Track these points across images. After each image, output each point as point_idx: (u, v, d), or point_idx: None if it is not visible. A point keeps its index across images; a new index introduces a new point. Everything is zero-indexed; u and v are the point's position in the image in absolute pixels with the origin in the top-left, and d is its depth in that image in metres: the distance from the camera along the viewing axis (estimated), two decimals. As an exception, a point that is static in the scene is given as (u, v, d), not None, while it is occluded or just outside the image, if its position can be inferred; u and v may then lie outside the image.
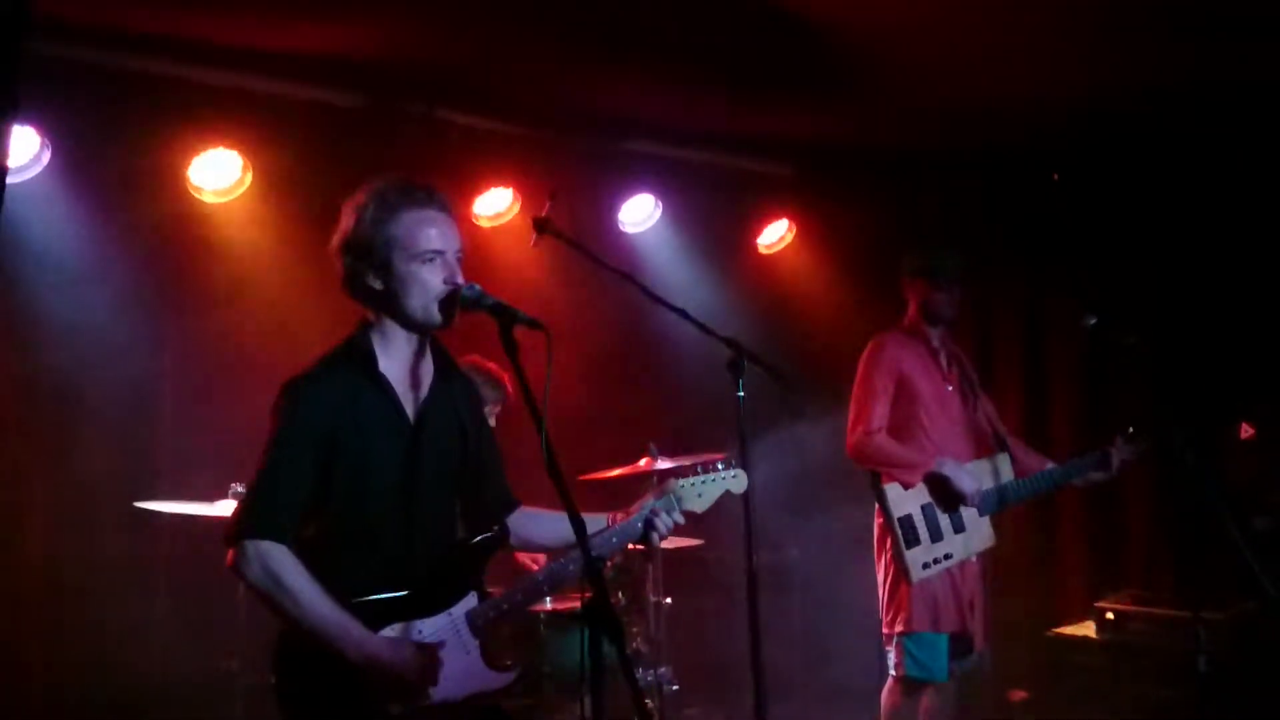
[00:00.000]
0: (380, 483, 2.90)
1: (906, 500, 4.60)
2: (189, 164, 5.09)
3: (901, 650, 4.61)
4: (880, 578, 4.73)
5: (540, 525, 3.23)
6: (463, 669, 2.92)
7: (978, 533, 4.68)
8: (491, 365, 4.83)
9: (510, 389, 4.85)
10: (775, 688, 3.48)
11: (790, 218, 7.13)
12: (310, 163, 5.26)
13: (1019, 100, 5.56)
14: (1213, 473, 3.95)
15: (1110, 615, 5.55)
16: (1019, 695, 5.96)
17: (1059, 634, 5.77)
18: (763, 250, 7.18)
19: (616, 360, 6.36)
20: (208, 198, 5.21)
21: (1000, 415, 5.05)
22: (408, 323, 2.92)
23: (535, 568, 4.56)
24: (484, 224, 6.01)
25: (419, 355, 2.99)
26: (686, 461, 4.87)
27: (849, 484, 5.08)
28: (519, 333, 2.73)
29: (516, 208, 6.04)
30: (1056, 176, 6.29)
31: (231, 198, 5.25)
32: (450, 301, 2.87)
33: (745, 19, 4.70)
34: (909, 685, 4.64)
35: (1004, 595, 5.35)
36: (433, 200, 2.94)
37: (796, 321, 7.04)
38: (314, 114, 5.41)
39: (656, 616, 5.29)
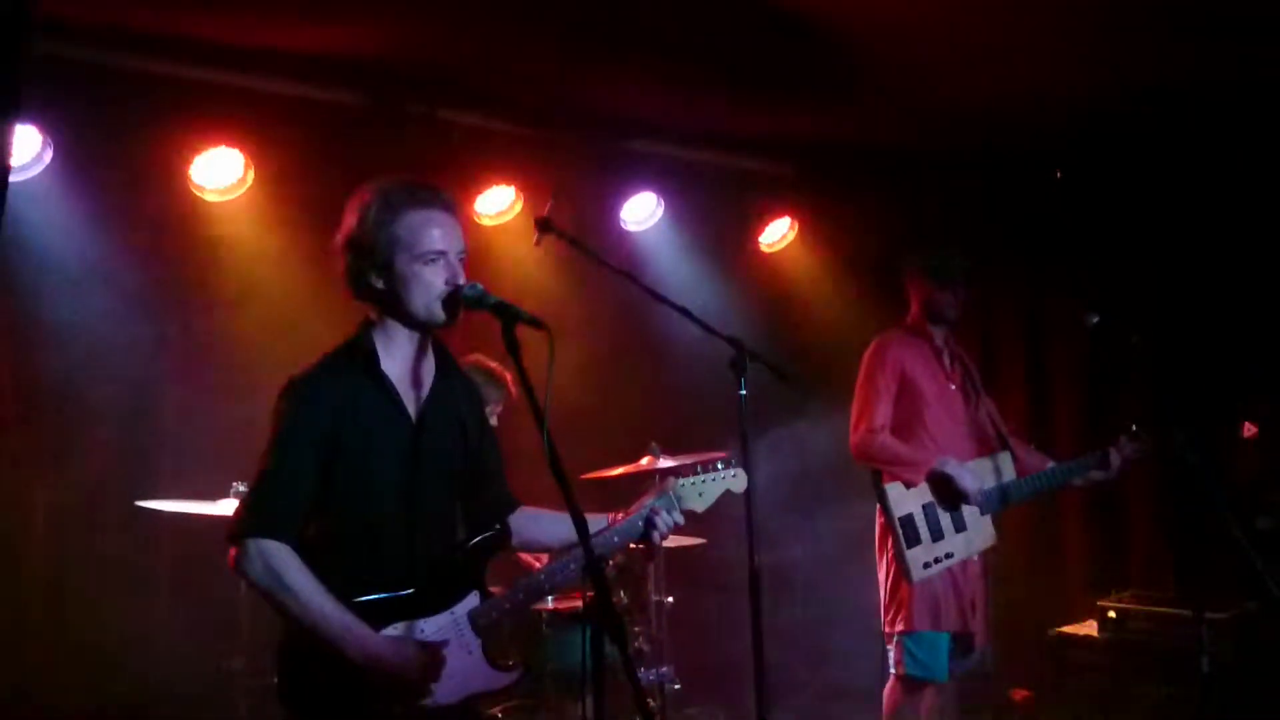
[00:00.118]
0: (382, 482, 2.90)
1: (907, 499, 4.59)
2: (191, 163, 5.09)
3: (902, 649, 4.61)
4: (881, 577, 4.73)
5: (541, 525, 3.24)
6: (465, 668, 2.92)
7: (979, 532, 4.68)
8: (493, 365, 4.84)
9: (512, 388, 4.85)
10: (777, 687, 3.49)
11: (792, 216, 7.12)
12: (312, 162, 5.26)
13: (1020, 100, 5.56)
14: (1215, 472, 3.95)
15: (1112, 614, 5.56)
16: (1021, 694, 5.96)
17: (1061, 633, 5.77)
18: (764, 249, 7.17)
19: (618, 359, 6.35)
20: (209, 196, 5.22)
21: (1002, 415, 5.05)
22: (410, 322, 2.92)
23: (539, 567, 4.56)
24: (486, 223, 6.01)
25: (421, 354, 2.99)
26: (688, 460, 4.87)
27: (851, 483, 5.08)
28: (521, 331, 2.72)
29: (518, 206, 6.04)
30: (1059, 175, 6.28)
31: (233, 197, 5.25)
32: (452, 300, 2.87)
33: (746, 18, 4.70)
34: (910, 684, 4.63)
35: (1006, 594, 5.34)
36: (437, 200, 2.93)
37: (798, 320, 7.04)
38: (316, 113, 5.41)
39: (658, 615, 5.29)
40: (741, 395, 3.31)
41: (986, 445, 4.85)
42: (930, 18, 4.70)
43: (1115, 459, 4.74)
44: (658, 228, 6.61)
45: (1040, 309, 6.68)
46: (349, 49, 5.04)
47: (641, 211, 6.56)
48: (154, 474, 5.01)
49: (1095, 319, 4.38)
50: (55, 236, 4.79)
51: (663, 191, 6.53)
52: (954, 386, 4.86)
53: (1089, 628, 5.67)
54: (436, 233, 2.88)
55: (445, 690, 2.85)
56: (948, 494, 4.60)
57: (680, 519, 3.15)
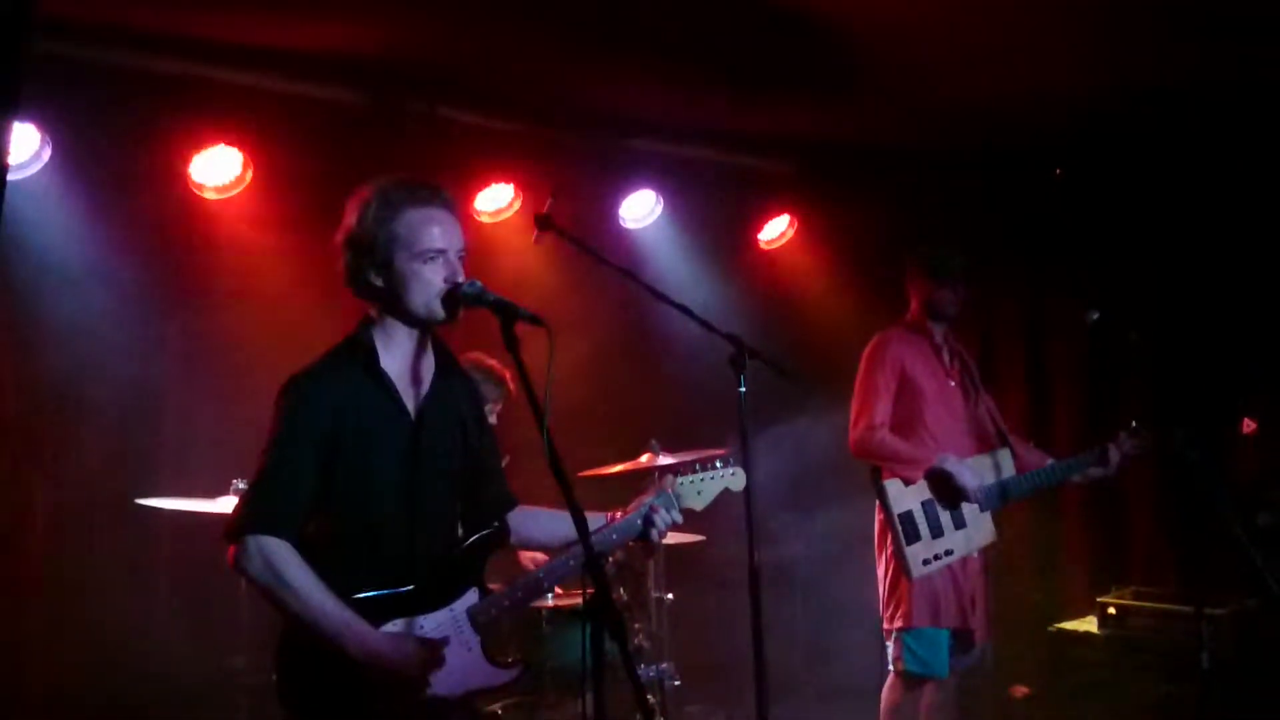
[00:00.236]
0: (381, 479, 2.90)
1: (907, 496, 4.60)
2: (190, 161, 5.09)
3: (902, 646, 4.61)
4: (880, 573, 4.73)
5: (539, 524, 3.24)
6: (464, 665, 2.92)
7: (979, 529, 4.68)
8: (493, 362, 4.84)
9: (512, 386, 4.85)
10: (777, 684, 3.48)
11: (791, 214, 7.13)
12: (311, 160, 5.25)
13: (1020, 99, 5.55)
14: (1215, 468, 3.95)
15: (1112, 610, 5.56)
16: (1020, 691, 5.97)
17: (1061, 629, 5.77)
18: (764, 246, 7.18)
19: (618, 356, 6.36)
20: (209, 194, 5.21)
21: (1002, 412, 5.05)
22: (409, 319, 2.92)
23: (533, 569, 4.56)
24: (485, 220, 6.02)
25: (420, 352, 2.99)
26: (688, 457, 4.87)
27: (851, 480, 5.08)
28: (520, 329, 2.72)
29: (518, 204, 6.04)
30: (1059, 173, 6.28)
31: (232, 195, 5.25)
32: (451, 298, 2.87)
33: (746, 16, 4.69)
34: (910, 681, 4.64)
35: (1006, 590, 5.35)
36: (436, 199, 2.94)
37: (797, 317, 7.04)
38: (315, 111, 5.40)
39: (658, 612, 5.29)
40: (741, 392, 3.31)
41: (986, 442, 4.85)
42: (930, 16, 4.69)
43: (1114, 455, 4.75)
44: (657, 225, 6.61)
45: (1040, 307, 6.68)
46: (348, 47, 5.03)
47: (640, 209, 6.56)
48: (153, 471, 5.01)
49: (1095, 316, 4.38)
50: (54, 234, 4.79)
51: (662, 189, 6.53)
52: (953, 383, 4.87)
53: (1089, 624, 5.67)
54: (436, 231, 2.88)
55: (444, 687, 2.85)
56: (947, 491, 4.60)
57: (679, 517, 3.15)
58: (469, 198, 5.84)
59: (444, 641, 2.88)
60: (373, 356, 2.92)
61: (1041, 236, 6.47)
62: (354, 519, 2.88)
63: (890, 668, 4.68)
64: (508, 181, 6.00)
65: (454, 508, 3.06)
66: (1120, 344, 4.25)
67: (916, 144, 6.38)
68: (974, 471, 4.63)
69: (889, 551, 4.65)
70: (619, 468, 5.17)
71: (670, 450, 5.11)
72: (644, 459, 5.12)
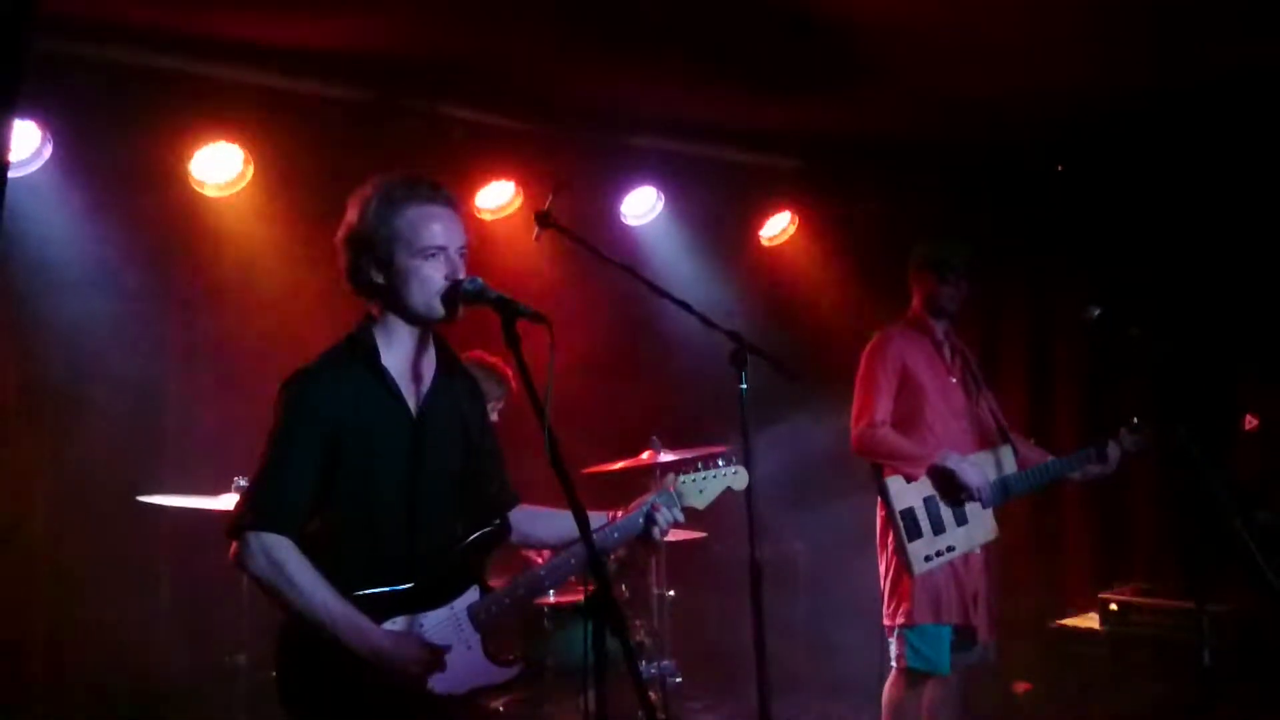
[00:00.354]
0: (383, 476, 2.90)
1: (908, 493, 4.59)
2: (191, 158, 5.10)
3: (904, 642, 4.61)
4: (882, 570, 4.73)
5: (541, 522, 3.24)
6: (464, 663, 2.92)
7: (980, 525, 4.68)
8: (495, 360, 4.83)
9: (513, 383, 4.85)
10: (779, 680, 3.48)
11: (792, 210, 7.12)
12: (312, 157, 5.26)
13: (1022, 95, 5.55)
14: (1217, 465, 3.94)
15: (1114, 607, 5.56)
16: (1022, 687, 5.96)
17: (1063, 625, 5.78)
18: (765, 243, 7.17)
19: (619, 353, 6.36)
20: (209, 191, 5.22)
21: (1004, 409, 5.04)
22: (410, 317, 2.92)
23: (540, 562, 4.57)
24: (486, 217, 6.02)
25: (422, 349, 2.99)
26: (689, 454, 4.87)
27: (852, 477, 5.08)
28: (521, 326, 2.72)
29: (519, 201, 6.04)
30: (1061, 168, 6.28)
31: (233, 191, 5.25)
32: (452, 295, 2.86)
33: (748, 12, 4.69)
34: (912, 677, 4.64)
35: (1008, 587, 5.34)
36: (437, 196, 2.93)
37: (798, 314, 7.04)
38: (316, 108, 5.41)
39: (660, 609, 5.29)
40: (742, 389, 3.30)
41: (987, 439, 4.85)
42: (931, 12, 4.69)
43: (1113, 452, 4.74)
44: (658, 222, 6.61)
45: (1041, 303, 6.67)
46: (349, 44, 5.03)
47: (641, 206, 6.56)
48: (155, 469, 5.01)
49: (1096, 312, 4.37)
50: (55, 231, 4.80)
51: (663, 185, 6.53)
52: (954, 380, 4.86)
53: (1091, 620, 5.67)
54: (437, 228, 2.88)
55: (444, 685, 2.85)
56: (950, 489, 4.60)
57: (681, 516, 3.15)
58: (470, 195, 5.84)
59: (444, 639, 2.88)
60: (374, 354, 2.92)
61: (1043, 233, 6.47)
62: (355, 516, 2.88)
63: (892, 664, 4.68)
64: (509, 178, 6.00)
65: (455, 505, 3.05)
66: (1121, 340, 4.24)
67: (918, 140, 6.37)
68: (976, 468, 4.63)
69: (891, 548, 4.65)
70: (620, 465, 5.18)
71: (671, 447, 5.12)
72: (645, 456, 5.12)
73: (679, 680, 5.22)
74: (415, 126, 5.57)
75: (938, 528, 4.59)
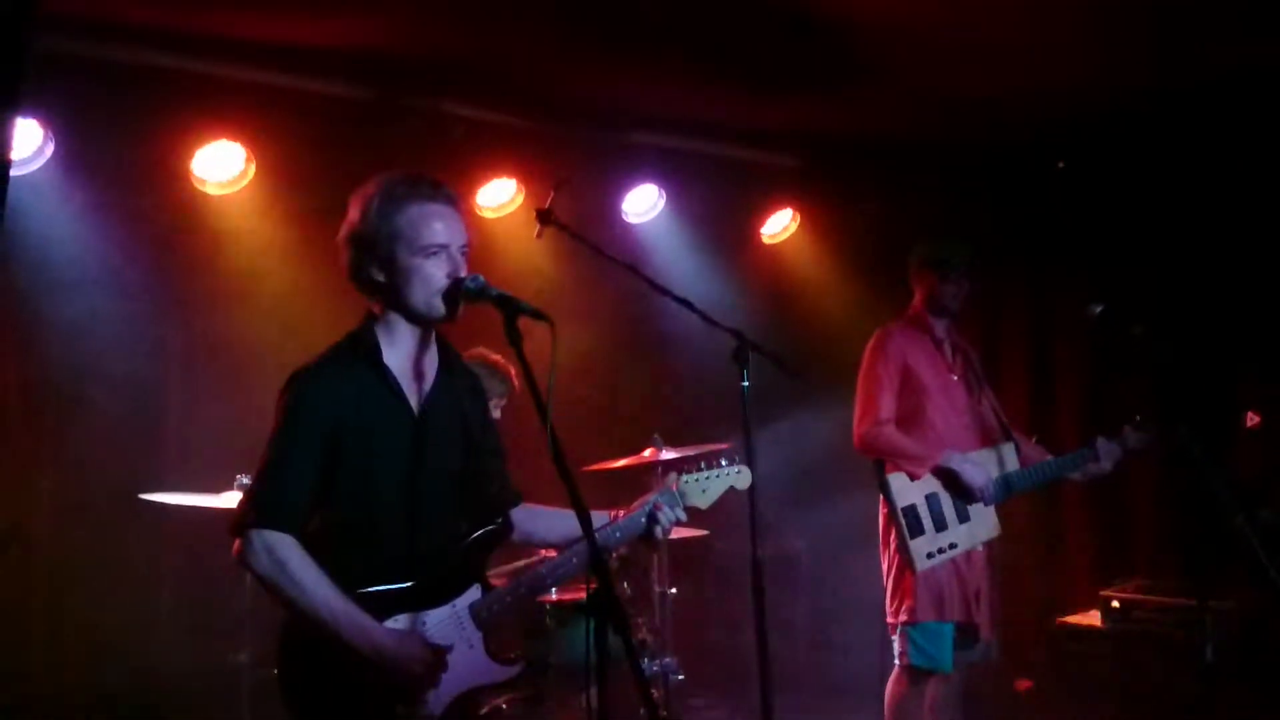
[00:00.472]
0: (384, 475, 2.90)
1: (910, 490, 4.60)
2: (192, 156, 5.10)
3: (906, 640, 4.61)
4: (885, 568, 4.73)
5: (542, 521, 3.24)
6: (466, 662, 2.92)
7: (982, 522, 4.68)
8: (497, 358, 4.83)
9: (516, 381, 4.85)
10: (781, 678, 3.48)
11: (794, 208, 7.12)
12: (313, 155, 5.26)
13: (1023, 93, 5.55)
14: (1219, 463, 3.94)
15: (1116, 604, 5.56)
16: (1024, 684, 5.97)
17: (1065, 623, 5.77)
18: (766, 241, 7.17)
19: (621, 351, 6.36)
20: (211, 190, 5.22)
21: (1005, 408, 5.04)
22: (411, 315, 2.92)
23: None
24: (488, 215, 6.02)
25: (423, 348, 2.99)
26: (691, 452, 4.87)
27: (854, 474, 5.08)
28: (523, 324, 2.72)
29: (520, 198, 6.04)
30: (1061, 165, 6.27)
31: (235, 190, 5.25)
32: (453, 293, 2.86)
33: (749, 11, 4.69)
34: (914, 675, 4.64)
35: (1009, 584, 5.35)
36: (439, 194, 2.93)
37: (800, 312, 7.04)
38: (317, 106, 5.40)
39: (662, 606, 5.29)
40: (744, 387, 3.30)
41: (989, 437, 4.85)
42: (932, 12, 4.69)
43: (1105, 449, 4.73)
44: (659, 220, 6.60)
45: (1043, 301, 6.67)
46: (350, 42, 5.03)
47: (643, 203, 6.56)
48: (158, 467, 5.02)
49: (1098, 310, 4.37)
50: (57, 229, 4.80)
51: (664, 183, 6.53)
52: (956, 378, 4.86)
53: (1093, 617, 5.67)
54: (438, 226, 2.88)
55: (446, 683, 2.85)
56: (954, 489, 4.61)
57: (683, 516, 3.15)
58: (471, 193, 5.83)
59: (446, 637, 2.89)
60: (376, 352, 2.92)
61: (1045, 231, 6.46)
62: (357, 514, 2.88)
63: (895, 662, 4.69)
64: (510, 176, 6.00)
65: (457, 504, 3.05)
66: (1123, 338, 4.24)
67: (919, 138, 6.37)
68: (979, 467, 4.63)
69: (893, 545, 4.65)
70: (622, 462, 5.17)
71: (673, 445, 5.11)
72: (647, 454, 5.12)
73: (681, 678, 5.21)
74: (416, 125, 5.56)
75: (940, 525, 4.60)
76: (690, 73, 5.48)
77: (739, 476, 3.24)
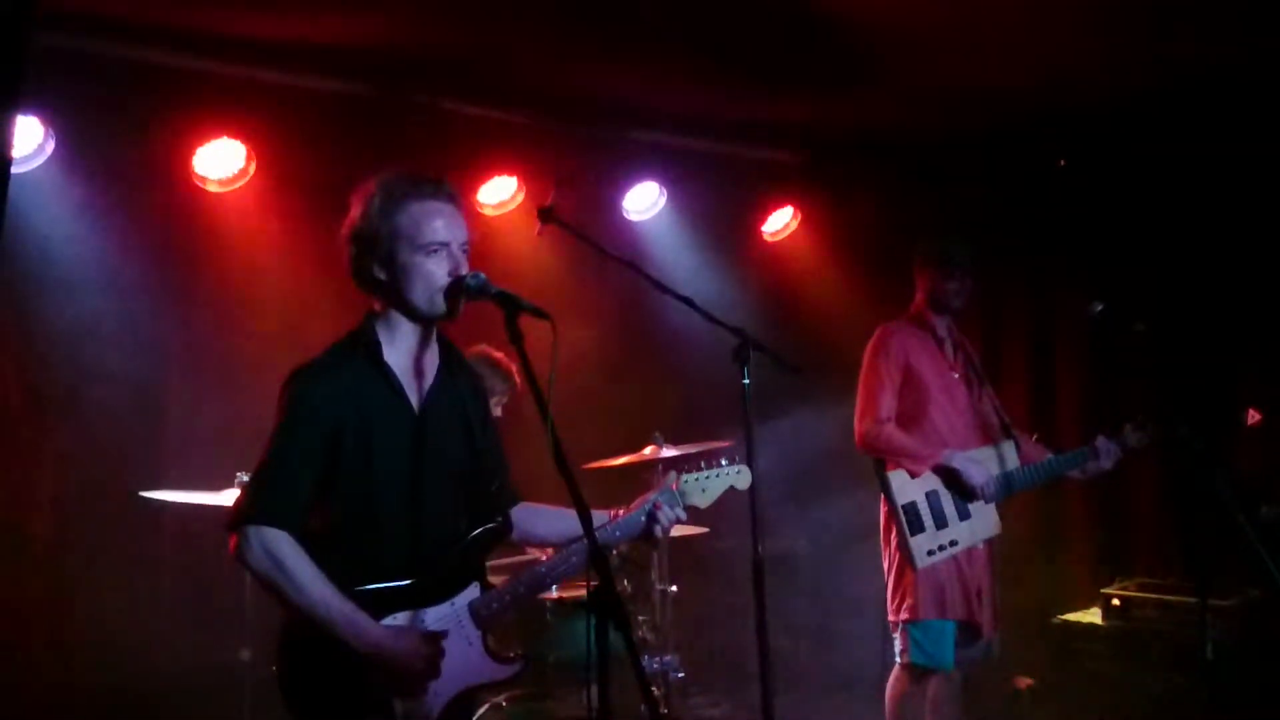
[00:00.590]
0: (384, 472, 2.89)
1: (911, 487, 4.60)
2: (193, 154, 5.10)
3: (907, 638, 4.61)
4: (886, 565, 4.73)
5: (542, 520, 3.24)
6: (465, 660, 2.92)
7: (983, 520, 4.68)
8: (499, 355, 4.83)
9: (517, 379, 4.85)
10: (782, 676, 3.49)
11: (795, 205, 7.12)
12: (314, 152, 5.26)
13: (1024, 90, 5.54)
14: (1220, 460, 3.94)
15: (1117, 601, 5.56)
16: (1025, 682, 5.96)
17: (1065, 620, 5.76)
18: (768, 238, 7.17)
19: (622, 348, 6.36)
20: (212, 187, 5.22)
21: (1006, 406, 5.04)
22: (412, 313, 2.92)
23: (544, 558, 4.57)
24: (488, 212, 6.02)
25: (424, 346, 2.99)
26: (692, 450, 4.87)
27: (855, 472, 5.08)
28: (524, 321, 2.72)
29: (521, 196, 6.04)
30: (1062, 163, 6.27)
31: (236, 187, 5.25)
32: (455, 291, 2.86)
33: (749, 7, 4.68)
34: (915, 673, 4.64)
35: (1010, 581, 5.34)
36: (440, 192, 2.93)
37: (802, 309, 7.03)
38: (318, 103, 5.40)
39: (662, 604, 5.29)
40: (745, 385, 3.30)
41: (990, 434, 4.85)
42: (933, 10, 4.69)
43: (1105, 448, 4.73)
44: (660, 217, 6.60)
45: (1044, 299, 6.66)
46: (351, 39, 5.03)
47: (644, 201, 6.56)
48: (157, 464, 5.01)
49: (1099, 307, 4.37)
50: (57, 227, 4.80)
51: (665, 181, 6.52)
52: (957, 375, 4.86)
53: (1093, 615, 5.66)
54: (439, 223, 2.88)
55: (445, 681, 2.85)
56: (956, 488, 4.61)
57: (683, 515, 3.15)
58: (472, 190, 5.83)
59: (445, 636, 2.88)
60: (377, 350, 2.92)
61: (1046, 229, 6.45)
62: (356, 512, 2.87)
63: (896, 660, 4.69)
64: (511, 174, 6.00)
65: (456, 502, 3.05)
66: (1125, 336, 4.24)
67: (921, 135, 6.37)
68: (979, 466, 4.63)
69: (894, 543, 4.65)
70: (623, 460, 5.17)
71: (674, 442, 5.11)
72: (647, 451, 5.12)
73: (682, 675, 5.22)
74: (417, 122, 5.56)
75: (940, 522, 4.60)
76: (691, 70, 5.48)
77: (739, 476, 3.23)
